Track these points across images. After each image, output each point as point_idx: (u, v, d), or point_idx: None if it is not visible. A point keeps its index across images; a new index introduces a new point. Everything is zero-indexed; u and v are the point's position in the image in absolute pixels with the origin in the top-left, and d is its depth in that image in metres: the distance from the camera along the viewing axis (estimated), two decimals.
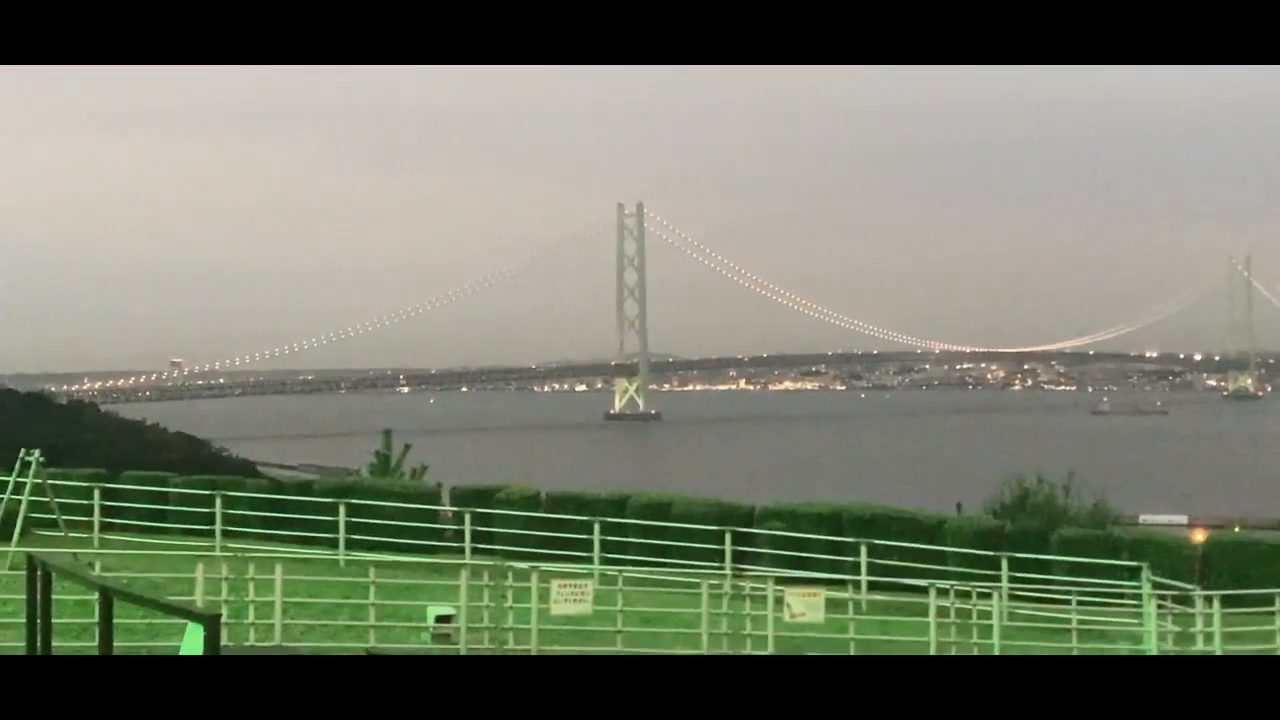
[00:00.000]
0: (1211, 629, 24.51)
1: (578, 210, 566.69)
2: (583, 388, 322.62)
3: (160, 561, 24.79)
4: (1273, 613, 25.72)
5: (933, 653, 22.66)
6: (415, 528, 33.15)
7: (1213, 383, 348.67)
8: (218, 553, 25.81)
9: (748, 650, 22.27)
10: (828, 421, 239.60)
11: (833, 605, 23.12)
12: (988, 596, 25.15)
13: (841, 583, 28.31)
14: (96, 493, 32.35)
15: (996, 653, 23.29)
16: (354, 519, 31.78)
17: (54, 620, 8.75)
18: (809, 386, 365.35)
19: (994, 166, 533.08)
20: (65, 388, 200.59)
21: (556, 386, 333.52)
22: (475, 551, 31.57)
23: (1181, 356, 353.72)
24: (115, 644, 7.33)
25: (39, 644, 8.55)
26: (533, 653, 20.91)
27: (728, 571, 29.50)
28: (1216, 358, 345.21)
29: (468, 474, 51.78)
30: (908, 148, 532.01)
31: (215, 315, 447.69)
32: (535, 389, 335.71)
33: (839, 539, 32.50)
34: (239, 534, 31.94)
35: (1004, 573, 29.44)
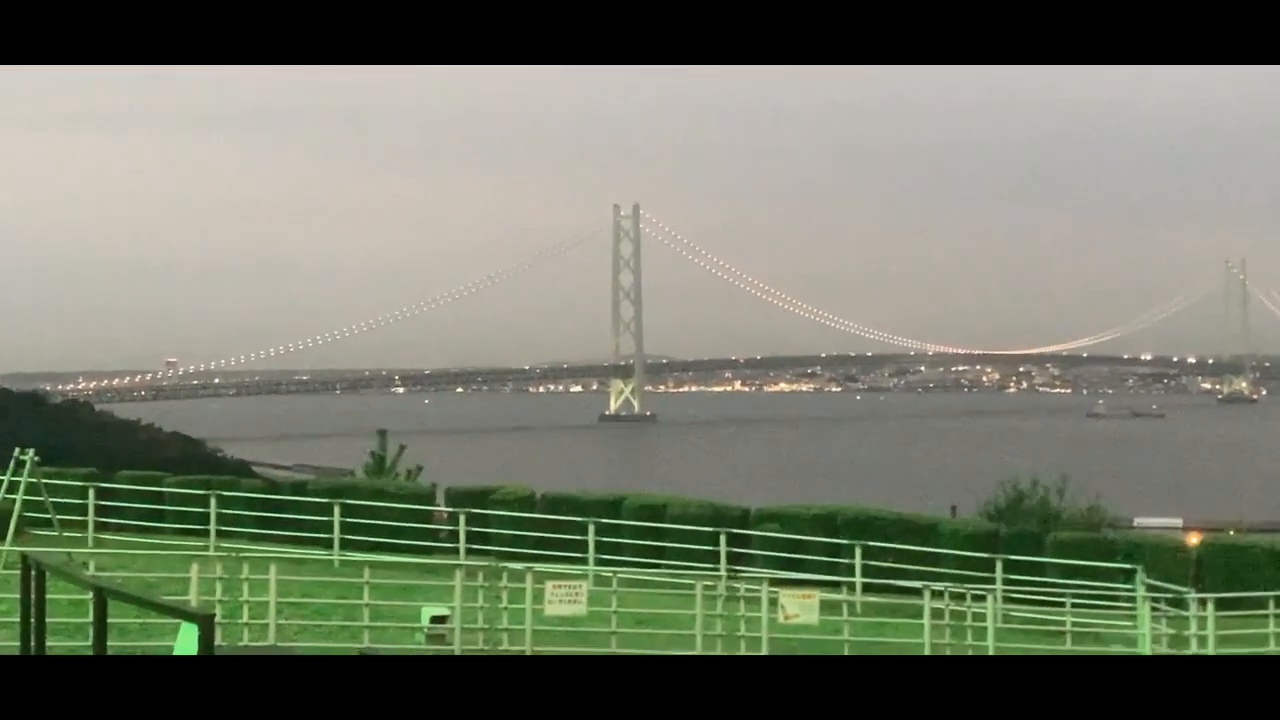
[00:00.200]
0: (1206, 632, 24.52)
1: (574, 211, 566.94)
2: (578, 389, 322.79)
3: (155, 561, 24.77)
4: (1267, 616, 25.74)
5: (927, 654, 22.67)
6: (410, 528, 33.14)
7: (1208, 386, 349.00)
8: (212, 553, 25.77)
9: (742, 651, 22.27)
10: (823, 423, 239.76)
11: (827, 607, 23.12)
12: (982, 599, 25.14)
13: (836, 584, 28.31)
14: (91, 492, 32.32)
15: (990, 654, 23.31)
16: (349, 519, 31.76)
17: (48, 620, 8.74)
18: (804, 388, 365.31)
19: (990, 168, 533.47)
20: (60, 387, 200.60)
21: (552, 387, 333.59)
22: (470, 552, 31.55)
23: (1175, 359, 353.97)
24: (109, 643, 7.32)
25: (33, 643, 8.54)
26: (527, 653, 20.91)
27: (722, 573, 29.48)
28: (1210, 361, 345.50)
29: (463, 475, 51.81)
30: (903, 149, 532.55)
31: (210, 315, 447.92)
32: (530, 390, 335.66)
33: (834, 541, 32.50)
34: (233, 534, 31.92)
35: (998, 575, 29.45)
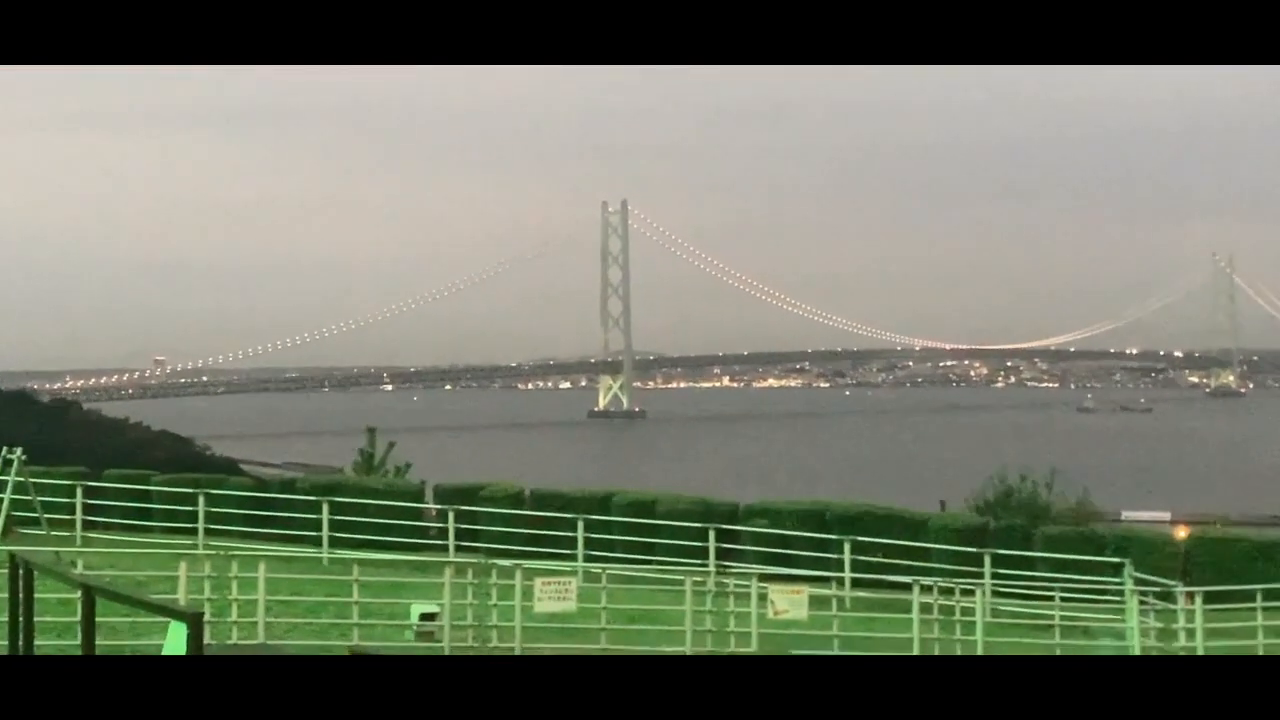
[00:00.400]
0: (1194, 625, 24.59)
1: (562, 209, 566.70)
2: (567, 385, 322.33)
3: (143, 560, 24.74)
4: (1254, 609, 25.81)
5: (916, 649, 22.72)
6: (399, 526, 33.16)
7: (1195, 379, 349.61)
8: (201, 551, 25.74)
9: (731, 647, 22.29)
10: (811, 419, 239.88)
11: (816, 602, 23.14)
12: (971, 593, 25.20)
13: (825, 580, 28.39)
14: (79, 491, 32.27)
15: (980, 649, 23.36)
16: (338, 517, 31.76)
17: (36, 619, 8.74)
18: (793, 384, 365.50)
19: (976, 166, 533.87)
20: (48, 386, 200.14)
21: (541, 384, 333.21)
22: (459, 549, 31.56)
23: (1162, 353, 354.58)
24: (97, 642, 7.32)
25: (20, 642, 8.54)
26: (516, 650, 20.92)
27: (712, 569, 29.54)
28: (1197, 354, 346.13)
29: (452, 472, 51.78)
30: (892, 147, 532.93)
31: (198, 313, 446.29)
32: (519, 387, 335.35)
33: (823, 536, 32.55)
34: (222, 532, 31.89)
35: (987, 569, 29.52)
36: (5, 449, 26.51)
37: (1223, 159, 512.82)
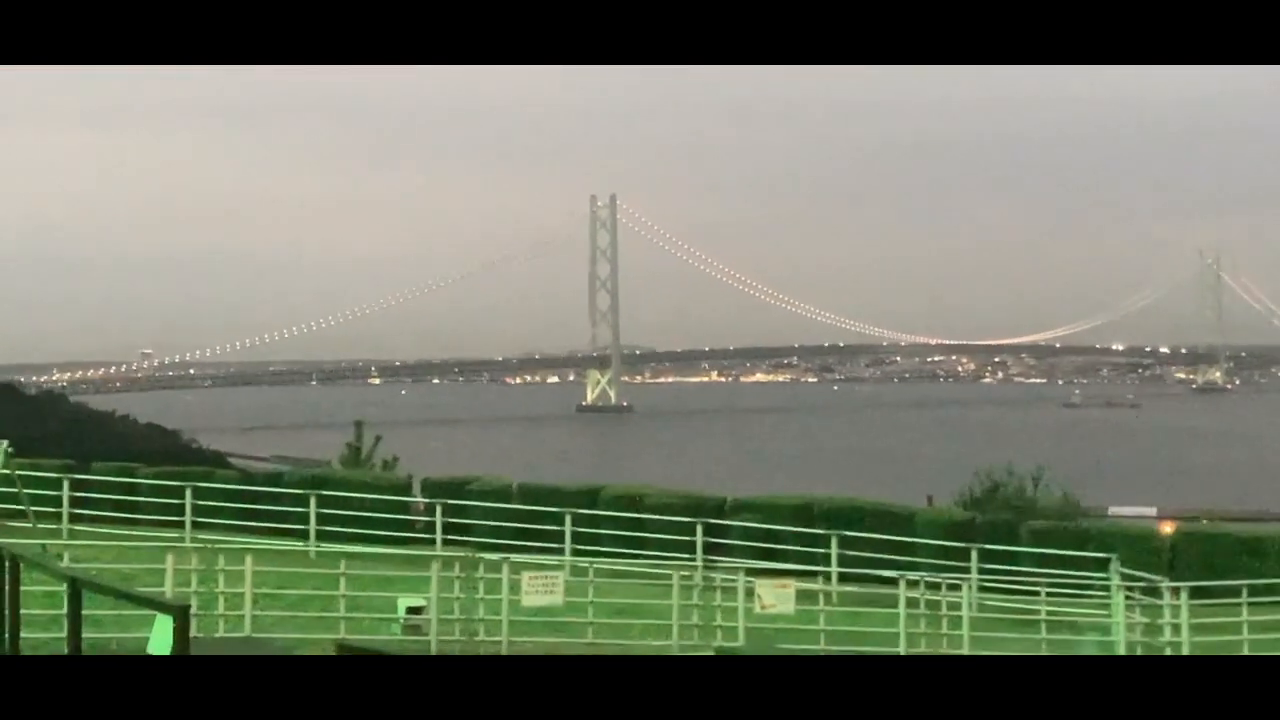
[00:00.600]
0: (1179, 621, 24.64)
1: (551, 204, 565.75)
2: (555, 380, 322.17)
3: (129, 553, 24.67)
4: (1240, 604, 25.88)
5: (903, 644, 22.76)
6: (386, 519, 33.07)
7: (1182, 376, 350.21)
8: (187, 544, 25.69)
9: (718, 641, 22.30)
10: (799, 413, 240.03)
11: (803, 596, 23.15)
12: (958, 588, 25.25)
13: (812, 574, 28.43)
14: (65, 483, 32.17)
15: (966, 644, 23.42)
16: (325, 510, 31.72)
17: (22, 611, 8.73)
18: (781, 379, 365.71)
19: (965, 163, 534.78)
20: (35, 378, 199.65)
21: (528, 378, 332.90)
22: (446, 543, 31.53)
23: (1148, 349, 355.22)
24: (84, 635, 7.31)
25: (6, 635, 8.53)
26: (503, 644, 20.92)
27: (699, 563, 29.54)
28: (1184, 350, 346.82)
29: (439, 465, 51.73)
30: (880, 144, 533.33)
31: (186, 307, 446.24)
32: (507, 381, 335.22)
33: (810, 530, 32.57)
34: (209, 525, 31.82)
35: (974, 564, 29.58)
36: None
37: (1211, 156, 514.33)
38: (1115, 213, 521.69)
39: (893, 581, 24.34)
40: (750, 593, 22.47)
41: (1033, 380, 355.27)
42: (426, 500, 35.62)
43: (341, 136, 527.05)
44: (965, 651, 22.94)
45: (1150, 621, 25.28)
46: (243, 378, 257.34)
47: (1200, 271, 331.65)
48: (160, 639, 7.48)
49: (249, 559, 21.08)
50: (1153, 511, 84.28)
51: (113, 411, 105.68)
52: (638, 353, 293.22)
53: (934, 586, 25.07)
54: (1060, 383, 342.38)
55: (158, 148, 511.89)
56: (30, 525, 26.20)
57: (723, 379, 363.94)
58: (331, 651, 8.26)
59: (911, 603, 23.70)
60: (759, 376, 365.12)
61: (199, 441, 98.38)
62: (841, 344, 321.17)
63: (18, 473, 27.02)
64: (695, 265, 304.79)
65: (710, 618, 23.11)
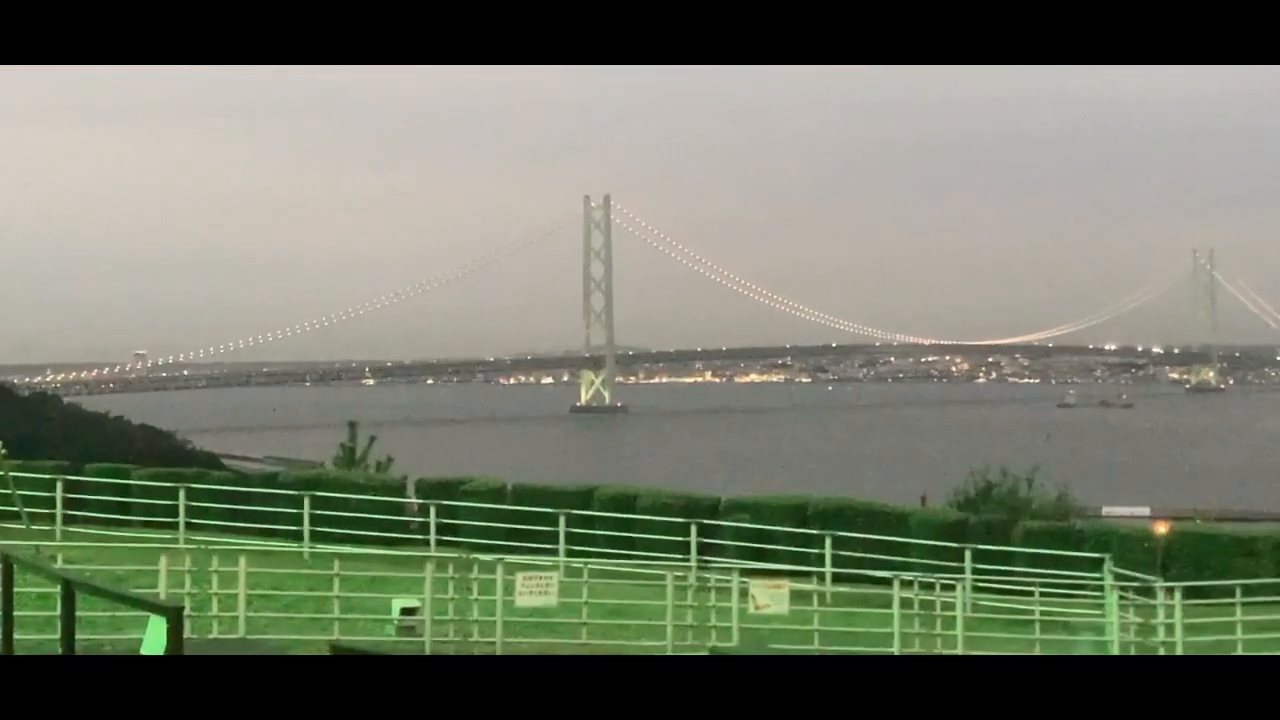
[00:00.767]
0: (1173, 621, 24.67)
1: (545, 204, 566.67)
2: (549, 380, 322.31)
3: (123, 554, 24.66)
4: (1233, 604, 25.92)
5: (896, 644, 22.78)
6: (380, 520, 33.06)
7: (1175, 376, 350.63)
8: (181, 545, 25.68)
9: (713, 641, 22.30)
10: (793, 413, 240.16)
11: (797, 597, 23.17)
12: (951, 588, 25.26)
13: (806, 574, 28.42)
14: (59, 485, 32.14)
15: (960, 644, 23.43)
16: (319, 511, 31.71)
17: (16, 613, 8.72)
18: (775, 379, 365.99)
19: (958, 163, 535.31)
20: (28, 379, 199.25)
21: (523, 379, 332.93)
22: (440, 544, 31.54)
23: (1140, 349, 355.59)
24: (78, 637, 7.31)
25: (0, 637, 8.52)
26: (498, 645, 20.90)
27: (693, 563, 29.55)
28: (1176, 350, 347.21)
29: (433, 466, 51.68)
30: (874, 144, 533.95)
31: (179, 307, 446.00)
32: (501, 381, 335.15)
33: (804, 531, 32.58)
34: (203, 526, 31.83)
35: (968, 564, 29.59)
36: None
37: (1204, 156, 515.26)
38: (1109, 213, 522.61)
39: (887, 582, 24.35)
40: (744, 593, 22.48)
41: (1026, 380, 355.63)
42: (421, 501, 35.60)
43: (336, 137, 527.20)
44: (959, 652, 22.96)
45: (1144, 621, 25.30)
46: (236, 378, 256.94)
47: (1194, 271, 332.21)
48: (154, 640, 7.47)
49: (243, 560, 21.07)
50: (1146, 511, 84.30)
51: (106, 413, 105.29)
52: (631, 353, 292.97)
53: (928, 587, 25.08)
54: (1054, 383, 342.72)
55: (152, 148, 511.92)
56: (24, 527, 26.19)
57: (717, 379, 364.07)
58: (325, 653, 8.25)
59: (905, 603, 23.72)
60: (753, 377, 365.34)
61: (193, 443, 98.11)
62: (835, 344, 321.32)
63: (11, 474, 27.02)
64: (690, 266, 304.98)
65: (704, 618, 23.11)
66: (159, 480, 34.74)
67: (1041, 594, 27.13)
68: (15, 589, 9.12)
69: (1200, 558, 31.68)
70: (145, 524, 33.00)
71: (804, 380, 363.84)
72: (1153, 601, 25.49)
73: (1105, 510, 76.50)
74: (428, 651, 20.01)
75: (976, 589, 28.88)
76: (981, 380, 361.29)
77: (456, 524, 33.61)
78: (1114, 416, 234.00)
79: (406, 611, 21.28)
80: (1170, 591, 25.41)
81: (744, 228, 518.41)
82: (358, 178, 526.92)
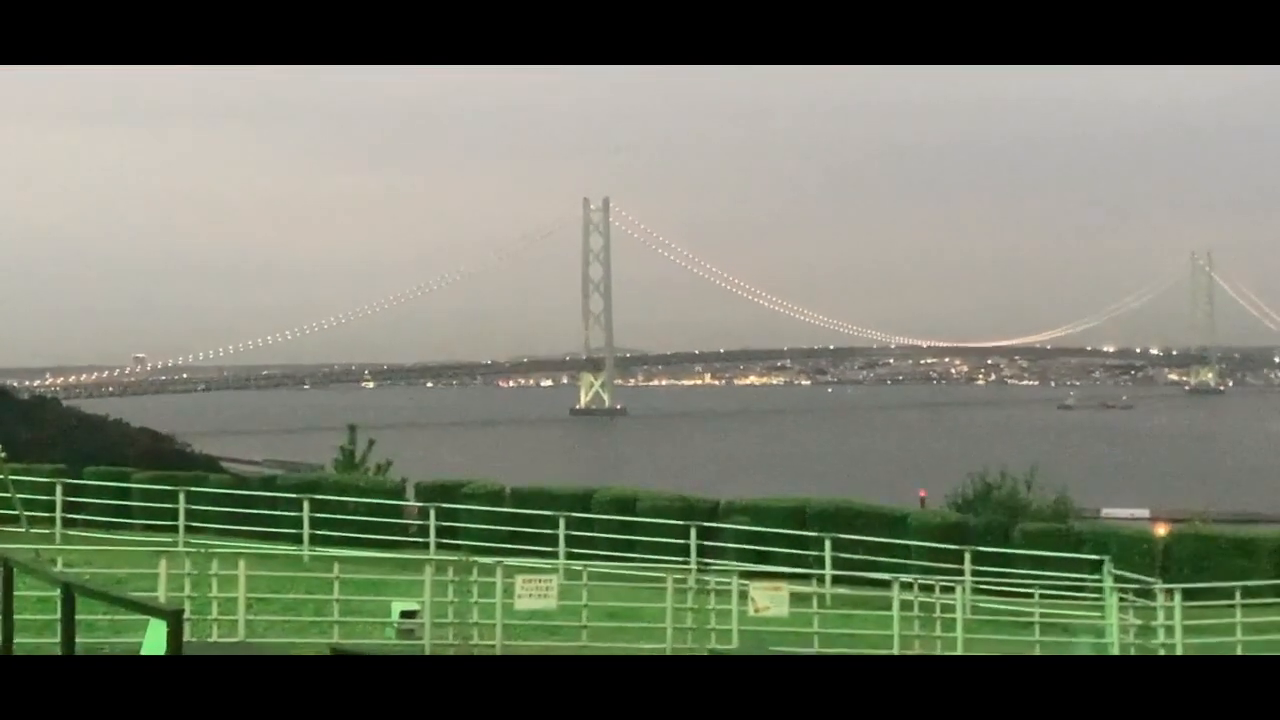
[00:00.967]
0: (1172, 622, 24.67)
1: (544, 206, 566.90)
2: (548, 383, 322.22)
3: (122, 557, 24.65)
4: (1233, 606, 25.92)
5: (896, 646, 22.78)
6: (380, 523, 33.07)
7: (1174, 377, 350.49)
8: (180, 548, 25.68)
9: (712, 644, 22.30)
10: (793, 416, 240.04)
11: (797, 599, 23.17)
12: (951, 590, 25.25)
13: (806, 576, 28.39)
14: (58, 488, 32.13)
15: (960, 646, 23.43)
16: (318, 514, 31.69)
17: (15, 616, 8.72)
18: (774, 381, 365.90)
19: (957, 164, 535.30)
20: (27, 383, 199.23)
21: (522, 381, 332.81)
22: (440, 547, 31.52)
23: (1138, 351, 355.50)
24: (77, 640, 7.31)
25: (0, 640, 8.52)
26: (497, 647, 20.91)
27: (693, 566, 29.54)
28: (1174, 352, 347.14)
29: (433, 469, 51.67)
30: (872, 146, 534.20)
31: (179, 311, 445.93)
32: (501, 384, 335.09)
33: (803, 533, 32.57)
34: (202, 530, 31.81)
35: (967, 566, 29.57)
36: None
37: (1202, 157, 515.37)
38: (1108, 214, 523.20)
39: (886, 584, 24.37)
40: (744, 595, 22.48)
41: (1026, 382, 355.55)
42: (420, 504, 35.58)
43: (337, 140, 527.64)
44: (959, 654, 22.95)
45: (1143, 623, 25.30)
46: (236, 382, 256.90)
47: (1193, 273, 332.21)
48: (153, 644, 7.47)
49: (242, 563, 21.08)
50: (1146, 513, 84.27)
51: (105, 416, 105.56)
52: (630, 356, 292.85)
53: (927, 588, 25.08)
54: (1053, 384, 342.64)
55: (152, 150, 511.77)
56: (23, 530, 26.21)
57: (716, 382, 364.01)
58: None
59: (905, 605, 23.72)
60: (752, 379, 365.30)
61: (192, 446, 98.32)
62: (833, 347, 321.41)
63: (10, 477, 27.04)
64: (689, 268, 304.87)
65: (704, 621, 23.10)
66: (158, 483, 34.76)
67: (1041, 596, 27.13)
68: (15, 592, 9.13)
69: (1199, 559, 31.67)
70: (145, 527, 33.01)
71: (804, 382, 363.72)
72: (1152, 603, 25.50)
73: (1104, 512, 76.53)
74: (427, 654, 20.01)
75: (976, 591, 28.86)
76: (981, 382, 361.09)
77: (456, 527, 33.60)
78: (1115, 418, 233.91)
79: (406, 615, 21.27)
80: (1170, 593, 25.42)
81: (743, 230, 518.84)
82: (358, 180, 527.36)
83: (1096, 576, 28.55)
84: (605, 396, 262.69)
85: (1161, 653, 23.82)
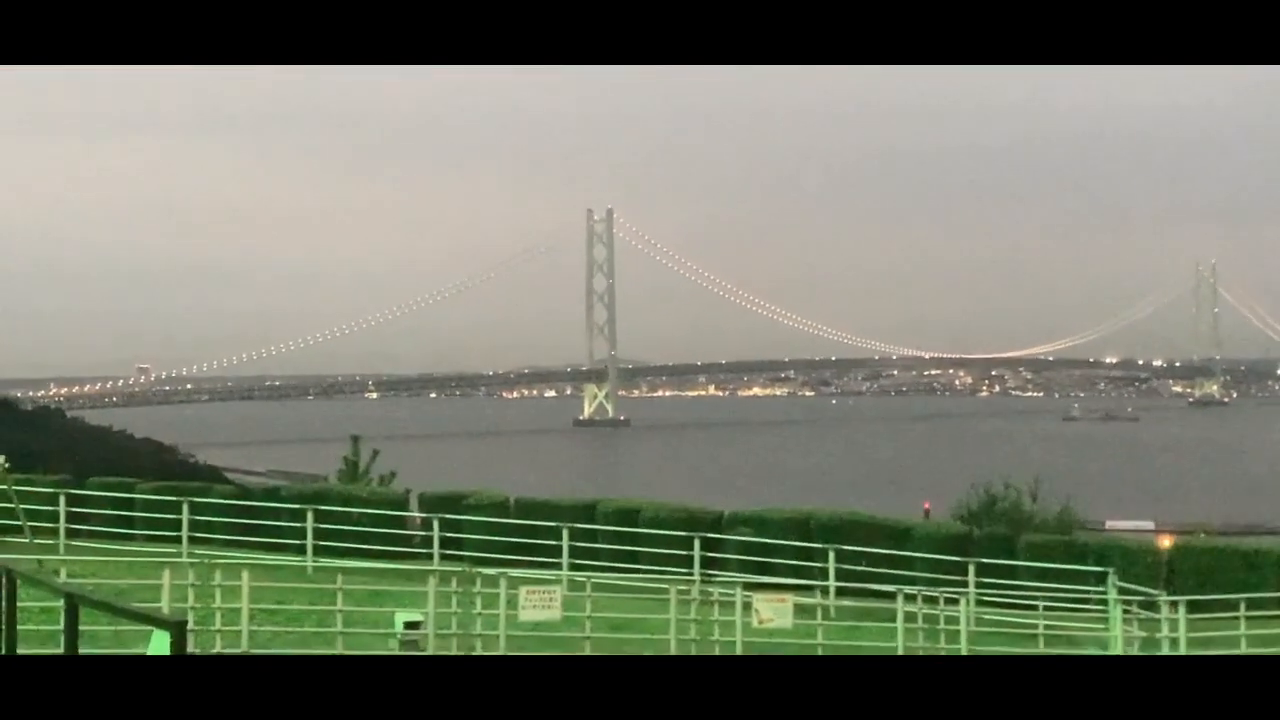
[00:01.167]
0: (1177, 635, 24.64)
1: (548, 216, 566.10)
2: (552, 394, 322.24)
3: (126, 568, 24.68)
4: (1237, 618, 25.88)
5: (900, 655, 22.74)
6: (383, 534, 33.06)
7: (1179, 389, 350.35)
8: (184, 559, 25.68)
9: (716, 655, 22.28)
10: (796, 427, 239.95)
11: (801, 611, 23.15)
12: (955, 602, 25.23)
13: (810, 588, 28.39)
14: (62, 499, 32.13)
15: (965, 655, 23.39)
16: (322, 525, 31.68)
17: (19, 627, 8.70)
18: (778, 392, 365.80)
19: (962, 173, 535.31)
20: (31, 393, 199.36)
21: (525, 393, 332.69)
22: (444, 558, 31.49)
23: (1140, 362, 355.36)
24: (81, 651, 7.29)
25: (3, 651, 8.50)
26: (500, 656, 20.89)
27: (696, 577, 29.51)
28: (1178, 363, 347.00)
29: (436, 480, 51.66)
30: (877, 155, 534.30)
31: (182, 321, 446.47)
32: (504, 395, 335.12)
33: (807, 545, 32.54)
34: (206, 540, 31.81)
35: (971, 578, 29.53)
36: None
37: (1207, 166, 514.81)
38: (1114, 224, 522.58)
39: (890, 595, 24.34)
40: (747, 607, 22.46)
41: (1030, 394, 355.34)
42: (423, 515, 35.57)
43: (342, 149, 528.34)
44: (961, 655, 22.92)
45: (1148, 635, 25.27)
46: (240, 392, 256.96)
47: (1197, 284, 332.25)
48: (157, 654, 7.47)
49: (246, 574, 21.07)
50: (1150, 525, 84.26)
51: (109, 426, 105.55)
52: (633, 367, 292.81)
53: (932, 600, 25.06)
54: (1057, 396, 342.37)
55: (154, 159, 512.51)
56: (27, 540, 26.18)
57: (720, 393, 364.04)
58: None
59: (909, 616, 23.70)
60: (756, 390, 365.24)
61: (196, 457, 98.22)
62: (834, 358, 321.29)
63: (14, 488, 27.01)
64: (692, 279, 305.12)
65: (708, 632, 23.10)
66: (162, 494, 34.72)
67: (1045, 608, 27.10)
68: (18, 603, 9.12)
69: (1204, 571, 31.61)
70: (148, 538, 33.00)
71: (807, 394, 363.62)
72: (1157, 615, 25.46)
73: (1109, 524, 76.50)
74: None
75: (980, 603, 28.84)
76: (984, 393, 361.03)
77: (459, 538, 33.58)
78: (1122, 430, 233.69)
79: (410, 625, 21.27)
80: (1174, 605, 25.39)
81: (746, 239, 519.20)
82: (363, 190, 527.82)
83: (1101, 588, 28.52)
84: (609, 407, 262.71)
85: None
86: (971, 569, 29.88)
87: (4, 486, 26.58)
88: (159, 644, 7.39)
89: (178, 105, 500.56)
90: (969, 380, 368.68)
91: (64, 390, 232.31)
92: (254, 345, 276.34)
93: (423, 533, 34.91)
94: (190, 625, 13.76)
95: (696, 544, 31.38)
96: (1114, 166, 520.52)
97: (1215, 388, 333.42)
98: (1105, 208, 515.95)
